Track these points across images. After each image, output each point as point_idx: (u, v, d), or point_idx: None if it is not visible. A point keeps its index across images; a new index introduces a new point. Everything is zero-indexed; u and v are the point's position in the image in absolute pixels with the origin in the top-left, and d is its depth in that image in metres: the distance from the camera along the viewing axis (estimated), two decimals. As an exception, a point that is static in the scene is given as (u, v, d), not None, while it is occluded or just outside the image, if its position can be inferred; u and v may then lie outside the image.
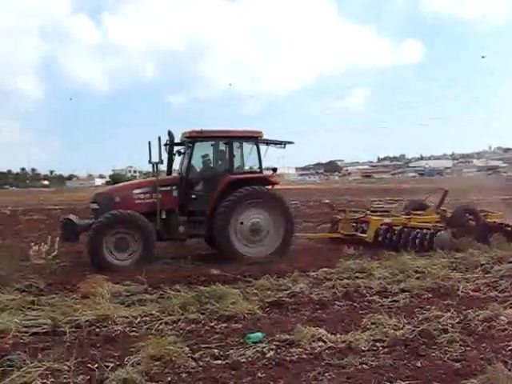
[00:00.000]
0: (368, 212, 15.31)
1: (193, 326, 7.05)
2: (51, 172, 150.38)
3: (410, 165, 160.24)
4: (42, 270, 10.75)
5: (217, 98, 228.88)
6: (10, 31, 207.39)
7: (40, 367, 5.44)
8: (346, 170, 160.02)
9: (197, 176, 12.69)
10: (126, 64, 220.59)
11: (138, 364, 5.57)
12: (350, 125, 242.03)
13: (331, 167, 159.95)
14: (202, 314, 7.50)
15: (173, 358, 5.71)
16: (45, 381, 5.24)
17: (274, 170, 13.63)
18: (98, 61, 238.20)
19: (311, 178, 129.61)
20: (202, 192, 12.50)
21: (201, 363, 5.75)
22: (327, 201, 18.95)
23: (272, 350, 6.09)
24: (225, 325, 7.11)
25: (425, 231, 12.84)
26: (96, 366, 5.62)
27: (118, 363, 5.69)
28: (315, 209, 25.70)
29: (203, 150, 12.83)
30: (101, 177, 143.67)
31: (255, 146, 12.80)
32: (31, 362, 5.57)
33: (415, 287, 8.82)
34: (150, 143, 11.98)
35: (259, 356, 5.94)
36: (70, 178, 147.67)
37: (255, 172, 12.80)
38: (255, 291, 8.72)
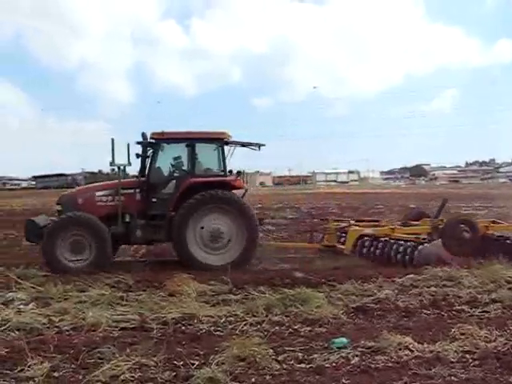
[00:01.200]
0: (352, 222, 14.36)
1: (277, 328, 7.02)
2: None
3: (501, 170, 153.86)
4: (130, 267, 11.07)
5: (301, 101, 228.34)
6: (104, 38, 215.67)
7: (128, 361, 5.60)
8: (433, 175, 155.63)
9: (159, 179, 12.18)
10: (213, 68, 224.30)
11: (223, 363, 5.61)
12: (436, 127, 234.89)
13: (417, 171, 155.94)
14: (287, 316, 7.47)
15: (257, 360, 5.72)
16: (133, 374, 5.38)
17: (239, 173, 12.61)
18: (186, 65, 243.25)
19: (396, 182, 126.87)
20: (163, 195, 11.98)
21: (285, 366, 5.72)
22: (412, 205, 17.98)
23: (357, 356, 5.97)
24: (309, 328, 7.05)
25: (408, 244, 11.88)
26: (182, 363, 5.72)
27: (202, 361, 5.76)
28: (401, 214, 25.13)
29: (166, 152, 12.22)
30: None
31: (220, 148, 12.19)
32: (120, 356, 5.75)
33: (507, 298, 8.38)
34: (113, 140, 11.70)
35: (344, 362, 5.85)
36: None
37: (219, 175, 12.13)
38: (340, 296, 8.58)
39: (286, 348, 6.20)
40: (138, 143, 12.06)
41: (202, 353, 6.04)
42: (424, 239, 11.91)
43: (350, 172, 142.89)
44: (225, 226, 11.61)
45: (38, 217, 12.48)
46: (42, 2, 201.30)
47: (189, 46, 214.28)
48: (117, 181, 12.02)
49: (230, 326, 7.12)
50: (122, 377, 5.32)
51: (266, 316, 7.45)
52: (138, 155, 12.04)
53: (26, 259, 12.16)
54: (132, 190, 11.98)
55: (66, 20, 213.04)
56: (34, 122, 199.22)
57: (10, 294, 8.61)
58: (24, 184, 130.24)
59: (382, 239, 12.37)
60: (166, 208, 11.65)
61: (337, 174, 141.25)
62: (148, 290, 8.94)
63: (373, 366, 5.73)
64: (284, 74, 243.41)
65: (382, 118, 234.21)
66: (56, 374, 5.42)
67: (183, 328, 7.06)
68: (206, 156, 12.30)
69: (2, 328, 6.82)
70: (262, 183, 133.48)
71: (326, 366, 5.73)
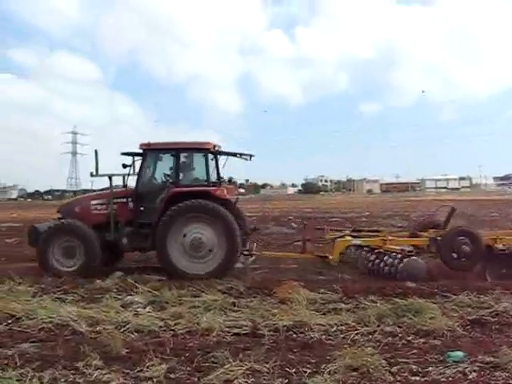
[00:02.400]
0: (347, 232, 13.56)
1: (389, 338, 6.87)
2: (247, 180, 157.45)
3: None
4: (240, 273, 11.26)
5: (410, 105, 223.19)
6: (212, 50, 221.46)
7: (241, 366, 5.69)
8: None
9: (146, 188, 12.33)
10: (319, 76, 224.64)
11: (335, 373, 5.57)
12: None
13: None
14: (399, 327, 7.29)
15: (370, 370, 5.63)
16: (246, 380, 5.46)
17: (230, 181, 12.80)
18: (292, 74, 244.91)
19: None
20: (150, 204, 12.07)
21: (398, 378, 5.59)
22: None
23: (475, 371, 5.72)
24: (423, 340, 6.84)
25: (395, 255, 11.25)
26: (294, 370, 5.73)
27: (314, 370, 5.75)
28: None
29: (152, 162, 12.50)
30: (293, 186, 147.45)
31: (204, 158, 12.16)
32: (233, 361, 5.85)
33: None
34: (96, 152, 12.21)
35: (460, 376, 5.62)
36: (264, 186, 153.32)
37: (202, 185, 12.05)
38: (454, 307, 8.25)
39: (400, 359, 6.05)
40: (123, 154, 12.42)
41: (313, 361, 6.02)
42: (410, 252, 11.24)
43: (461, 178, 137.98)
44: (206, 235, 11.59)
45: (41, 224, 13.14)
46: (154, 20, 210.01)
47: (294, 54, 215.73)
48: (113, 190, 12.52)
49: (341, 335, 7.06)
50: (235, 382, 5.42)
51: (378, 326, 7.31)
52: (124, 165, 12.18)
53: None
54: (124, 199, 12.35)
55: (176, 35, 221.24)
56: (149, 133, 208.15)
57: (129, 297, 9.03)
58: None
59: (376, 251, 11.90)
60: (152, 217, 11.77)
61: (447, 180, 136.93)
62: (258, 297, 9.04)
63: (492, 382, 5.47)
64: (391, 79, 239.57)
65: (494, 121, 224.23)
66: (173, 376, 5.60)
67: (294, 336, 7.07)
68: (191, 166, 12.57)
69: (122, 329, 7.15)
70: (369, 191, 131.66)
71: (442, 380, 5.53)
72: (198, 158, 12.39)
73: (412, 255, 11.11)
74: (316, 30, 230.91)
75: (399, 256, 11.16)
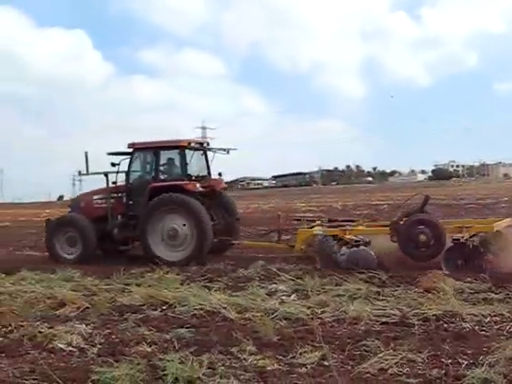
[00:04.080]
0: (318, 222, 13.48)
1: (551, 330, 6.49)
2: (374, 168, 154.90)
3: None
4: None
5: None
6: (333, 36, 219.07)
7: (395, 356, 5.60)
8: None
9: (134, 184, 13.78)
10: (446, 55, 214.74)
11: (495, 365, 5.33)
12: None
13: None
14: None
15: (534, 363, 5.34)
16: (400, 369, 5.36)
17: (220, 174, 14.29)
18: (418, 55, 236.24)
19: None
20: (137, 198, 13.50)
21: None
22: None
23: None
24: None
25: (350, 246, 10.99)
26: (449, 361, 5.55)
27: (471, 361, 5.53)
28: None
29: (138, 160, 13.94)
30: (423, 172, 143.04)
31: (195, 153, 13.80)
32: (385, 350, 5.78)
33: None
34: (86, 153, 13.91)
35: None
36: (393, 173, 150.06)
37: (178, 179, 13.23)
38: None
39: None
40: (110, 154, 13.89)
41: (469, 352, 5.79)
42: (357, 241, 11.10)
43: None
44: (180, 225, 12.83)
45: (55, 217, 15.20)
46: (274, 10, 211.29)
47: (420, 35, 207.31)
48: (111, 186, 13.95)
49: (495, 326, 6.73)
50: (389, 371, 5.34)
51: (536, 317, 6.92)
52: (113, 164, 13.55)
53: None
54: (120, 194, 14.01)
55: (297, 23, 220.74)
56: (273, 124, 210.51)
57: (273, 285, 9.24)
58: (265, 183, 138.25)
59: (340, 242, 11.54)
60: (138, 210, 13.24)
61: None
62: (402, 286, 8.89)
63: None
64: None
65: None
66: (326, 363, 5.63)
67: (445, 326, 6.84)
68: (170, 162, 13.88)
69: (271, 316, 7.30)
70: (505, 175, 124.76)
71: None
72: (176, 155, 13.62)
73: (360, 245, 11.00)
74: (442, 9, 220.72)
75: (348, 246, 11.11)
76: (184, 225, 12.80)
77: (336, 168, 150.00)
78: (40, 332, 7.01)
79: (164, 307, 8.17)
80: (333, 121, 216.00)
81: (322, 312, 7.50)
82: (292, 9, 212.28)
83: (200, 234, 12.62)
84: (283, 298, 8.42)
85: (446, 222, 11.83)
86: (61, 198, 76.47)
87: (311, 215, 21.42)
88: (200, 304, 7.97)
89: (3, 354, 6.32)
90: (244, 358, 5.84)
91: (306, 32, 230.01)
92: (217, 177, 14.30)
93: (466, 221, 11.70)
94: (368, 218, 17.69)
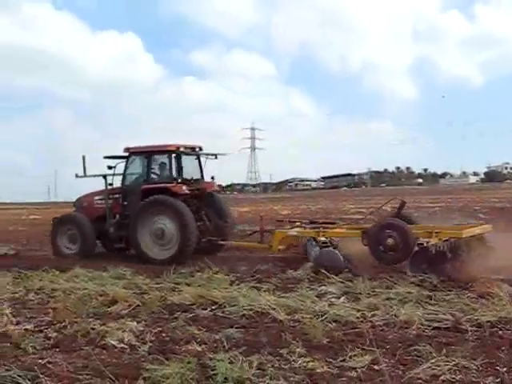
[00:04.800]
0: (297, 223, 13.95)
1: None
2: (425, 170, 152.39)
3: None
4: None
5: None
6: (385, 36, 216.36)
7: (448, 362, 5.48)
8: None
9: (129, 186, 14.65)
10: (501, 54, 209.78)
11: (553, 375, 5.17)
12: None
13: None
14: None
15: None
16: (453, 376, 5.23)
17: (212, 178, 15.09)
18: (471, 55, 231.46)
19: None
20: (130, 199, 14.39)
21: None
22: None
23: None
24: None
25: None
26: (504, 369, 5.41)
27: (530, 370, 5.39)
28: None
29: (133, 163, 14.66)
30: (475, 174, 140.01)
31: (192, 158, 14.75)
32: (438, 356, 5.67)
33: None
34: (83, 157, 14.70)
35: None
36: (444, 175, 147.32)
37: (166, 182, 13.90)
38: None
39: None
40: (106, 157, 14.74)
41: (528, 361, 5.64)
42: (324, 243, 11.47)
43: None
44: (167, 225, 13.49)
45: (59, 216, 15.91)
46: (324, 11, 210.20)
47: (473, 34, 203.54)
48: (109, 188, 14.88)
49: (555, 336, 6.54)
50: (442, 377, 5.22)
51: None
52: (109, 167, 14.39)
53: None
54: (118, 196, 14.83)
55: (347, 24, 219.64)
56: (322, 125, 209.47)
57: (322, 287, 9.17)
58: (314, 184, 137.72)
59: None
60: (132, 210, 14.03)
61: None
62: (454, 291, 8.67)
63: None
64: None
65: None
66: (376, 367, 5.56)
67: (500, 332, 6.65)
68: (161, 165, 14.50)
69: (321, 319, 7.26)
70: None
71: None
72: (165, 159, 14.29)
73: (327, 246, 11.33)
74: (496, 6, 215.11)
75: (318, 247, 11.50)
76: (170, 225, 13.50)
77: (385, 169, 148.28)
78: (93, 328, 7.17)
79: (213, 307, 8.21)
80: (383, 122, 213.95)
81: (373, 315, 7.39)
82: (342, 9, 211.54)
83: (184, 233, 13.29)
84: (333, 300, 8.34)
85: (417, 226, 11.99)
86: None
87: (360, 217, 21.14)
88: (249, 304, 7.97)
89: (58, 349, 6.50)
90: (293, 360, 5.82)
91: (356, 32, 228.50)
92: (209, 180, 15.10)
93: (436, 226, 11.77)
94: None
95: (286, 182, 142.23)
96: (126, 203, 14.64)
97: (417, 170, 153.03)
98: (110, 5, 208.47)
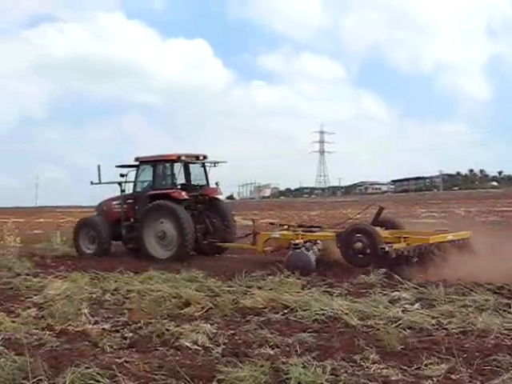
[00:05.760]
0: (285, 227, 14.70)
1: None
2: (500, 173, 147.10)
3: None
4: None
5: None
6: (457, 33, 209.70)
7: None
8: None
9: (139, 192, 16.14)
10: None
11: None
12: None
13: None
14: None
15: None
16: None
17: (216, 184, 16.33)
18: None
19: None
20: (140, 204, 15.83)
21: None
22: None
23: None
24: None
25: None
26: None
27: None
28: None
29: (142, 171, 16.17)
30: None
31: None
32: (519, 366, 5.49)
33: None
34: (99, 167, 16.57)
35: None
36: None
37: (167, 188, 15.36)
38: None
39: None
40: (118, 166, 16.21)
41: None
42: (296, 245, 11.97)
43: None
44: (168, 228, 14.91)
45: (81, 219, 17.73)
46: (393, 11, 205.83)
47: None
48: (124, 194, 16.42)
49: None
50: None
51: None
52: (121, 175, 16.06)
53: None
54: (132, 201, 16.27)
55: (417, 24, 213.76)
56: (393, 128, 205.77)
57: (395, 293, 9.02)
58: (384, 188, 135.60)
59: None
60: (140, 214, 15.59)
61: None
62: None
63: None
64: None
65: None
66: (453, 377, 5.42)
67: None
68: (165, 173, 15.93)
69: (394, 325, 7.14)
70: None
71: None
72: (169, 167, 15.77)
73: (298, 248, 11.91)
74: None
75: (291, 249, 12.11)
76: (170, 227, 14.85)
77: (458, 172, 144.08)
78: (167, 330, 7.32)
79: (285, 311, 8.22)
80: (456, 123, 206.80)
81: (448, 322, 7.21)
82: (412, 9, 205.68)
83: (181, 235, 14.65)
84: (406, 306, 8.19)
85: (387, 232, 12.45)
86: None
87: (433, 221, 20.72)
88: (321, 309, 7.94)
89: (134, 349, 6.68)
90: (367, 367, 5.76)
91: (427, 32, 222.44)
92: (214, 186, 16.36)
93: (405, 231, 12.53)
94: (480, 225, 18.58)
95: (356, 185, 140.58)
96: (136, 208, 16.13)
97: (491, 172, 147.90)
98: (179, 12, 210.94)
